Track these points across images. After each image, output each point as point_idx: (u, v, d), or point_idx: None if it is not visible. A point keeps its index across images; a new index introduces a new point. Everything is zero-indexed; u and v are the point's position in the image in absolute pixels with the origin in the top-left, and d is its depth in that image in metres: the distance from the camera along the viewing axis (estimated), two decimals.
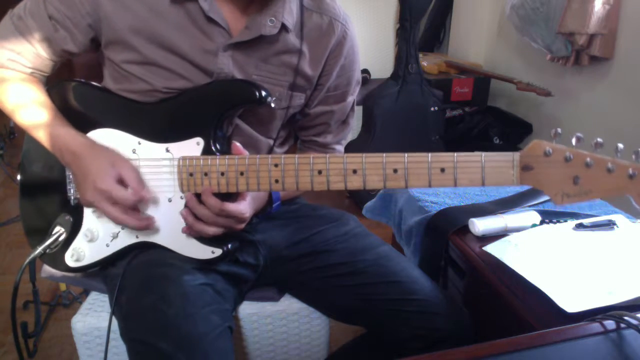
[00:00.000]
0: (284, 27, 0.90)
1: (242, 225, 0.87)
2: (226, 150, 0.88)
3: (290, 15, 0.91)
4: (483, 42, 2.96)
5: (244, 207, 0.85)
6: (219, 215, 0.83)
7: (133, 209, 0.86)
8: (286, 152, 1.09)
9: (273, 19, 0.89)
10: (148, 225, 0.87)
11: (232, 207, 0.82)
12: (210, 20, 0.87)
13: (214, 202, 0.82)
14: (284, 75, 0.94)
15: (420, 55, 2.62)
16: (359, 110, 2.48)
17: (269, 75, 0.93)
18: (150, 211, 0.89)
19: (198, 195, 0.84)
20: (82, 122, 0.91)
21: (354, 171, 0.77)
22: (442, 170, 0.74)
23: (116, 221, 0.85)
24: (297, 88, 0.96)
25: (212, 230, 0.84)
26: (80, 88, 0.94)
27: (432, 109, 2.49)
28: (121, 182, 0.84)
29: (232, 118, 0.93)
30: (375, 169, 0.76)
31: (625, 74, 2.03)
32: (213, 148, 0.86)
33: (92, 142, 0.88)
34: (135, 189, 0.84)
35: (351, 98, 1.07)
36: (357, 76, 1.06)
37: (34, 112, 0.90)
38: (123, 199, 0.82)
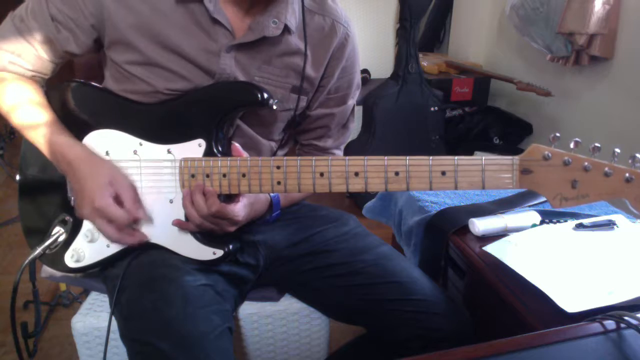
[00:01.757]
0: (286, 29, 0.90)
1: (234, 228, 0.87)
2: (228, 151, 0.88)
3: (293, 16, 0.91)
4: (483, 42, 2.96)
5: (238, 210, 0.85)
6: (212, 215, 0.83)
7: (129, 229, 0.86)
8: (286, 154, 1.09)
9: (276, 20, 0.89)
10: (141, 243, 0.88)
11: (225, 208, 0.83)
12: (215, 21, 0.88)
13: (210, 202, 0.83)
14: (286, 77, 0.94)
15: (420, 55, 2.62)
16: (358, 110, 2.48)
17: (271, 77, 0.93)
18: (152, 212, 0.89)
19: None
20: (83, 123, 0.91)
21: (356, 174, 0.77)
22: (443, 173, 0.74)
23: (110, 240, 0.86)
24: (300, 91, 0.96)
25: (199, 221, 0.84)
26: (81, 89, 0.94)
27: (432, 109, 2.49)
28: (118, 199, 0.84)
29: (233, 120, 0.93)
30: (376, 172, 0.77)
31: (625, 74, 2.03)
32: (215, 150, 0.86)
33: (88, 153, 0.88)
34: (130, 210, 0.84)
35: (351, 101, 1.07)
36: (358, 79, 1.06)
37: (31, 116, 0.89)
38: (118, 218, 0.83)
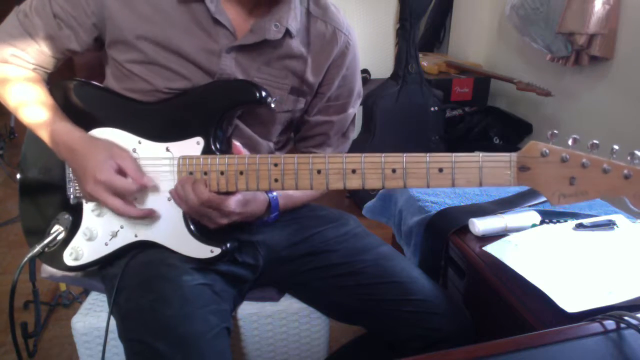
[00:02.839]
0: (287, 33, 0.91)
1: (225, 220, 0.86)
2: (226, 150, 0.88)
3: (294, 21, 0.91)
4: (483, 42, 2.96)
5: (230, 202, 0.83)
6: (202, 203, 0.83)
7: (132, 203, 0.86)
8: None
9: (278, 24, 0.89)
10: (148, 215, 0.87)
11: (216, 197, 0.82)
12: (216, 21, 0.88)
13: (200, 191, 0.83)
14: (285, 78, 0.94)
15: (420, 55, 2.62)
16: (359, 110, 2.47)
17: (270, 78, 0.93)
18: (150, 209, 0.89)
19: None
20: (83, 121, 0.91)
21: (353, 171, 0.77)
22: (440, 170, 0.74)
23: (117, 212, 0.85)
24: (298, 93, 0.96)
25: (186, 207, 0.84)
26: (81, 87, 0.94)
27: (432, 109, 2.49)
28: (121, 172, 0.84)
29: (232, 118, 0.93)
30: (374, 169, 0.76)
31: (625, 74, 2.03)
32: (213, 147, 0.86)
33: (89, 137, 0.89)
34: (135, 178, 0.84)
35: (352, 110, 1.06)
36: (359, 88, 1.06)
37: (35, 110, 0.91)
38: (124, 188, 0.83)
